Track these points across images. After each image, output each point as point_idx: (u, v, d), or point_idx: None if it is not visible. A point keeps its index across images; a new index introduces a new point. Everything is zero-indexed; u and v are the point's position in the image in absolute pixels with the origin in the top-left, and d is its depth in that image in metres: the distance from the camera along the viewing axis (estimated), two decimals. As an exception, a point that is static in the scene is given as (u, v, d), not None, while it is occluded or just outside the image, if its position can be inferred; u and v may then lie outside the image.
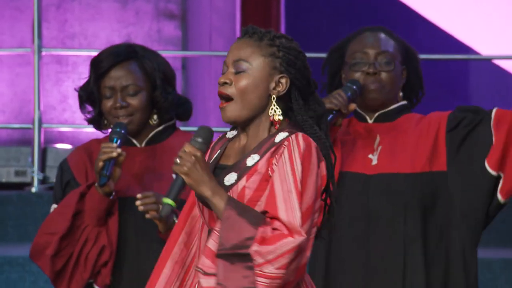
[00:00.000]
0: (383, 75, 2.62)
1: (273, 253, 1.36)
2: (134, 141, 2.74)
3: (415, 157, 2.60)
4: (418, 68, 2.75)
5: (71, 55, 6.61)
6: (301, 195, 1.41)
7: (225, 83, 1.53)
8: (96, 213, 2.55)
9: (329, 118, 2.40)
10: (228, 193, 1.51)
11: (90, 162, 2.71)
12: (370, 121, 2.73)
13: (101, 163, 2.41)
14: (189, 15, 6.89)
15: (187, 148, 1.48)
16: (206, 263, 1.46)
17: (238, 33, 7.15)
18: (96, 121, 2.69)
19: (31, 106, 5.94)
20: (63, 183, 2.86)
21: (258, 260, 1.37)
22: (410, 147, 2.62)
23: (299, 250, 1.37)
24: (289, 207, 1.40)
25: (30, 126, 5.94)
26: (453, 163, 2.61)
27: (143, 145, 2.74)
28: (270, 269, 1.36)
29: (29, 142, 5.99)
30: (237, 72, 1.53)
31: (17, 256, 5.05)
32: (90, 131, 6.02)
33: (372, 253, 2.59)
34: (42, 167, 5.84)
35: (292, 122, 1.56)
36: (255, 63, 1.52)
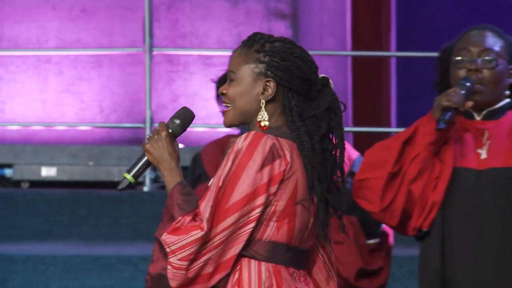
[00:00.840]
0: (485, 72, 2.64)
1: (176, 244, 1.48)
2: None
3: None
4: None
5: (182, 55, 6.76)
6: (219, 190, 1.49)
7: (222, 93, 1.68)
8: None
9: (447, 116, 2.48)
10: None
11: (223, 157, 2.72)
12: (478, 118, 2.75)
13: None
14: (300, 14, 6.99)
15: (158, 125, 1.63)
16: None
17: (348, 32, 7.29)
18: None
19: (143, 105, 6.07)
20: (194, 176, 3.08)
21: (167, 248, 1.49)
22: None
23: (202, 243, 1.46)
24: (206, 200, 1.50)
25: (142, 125, 6.05)
26: None
27: None
28: (173, 259, 1.47)
29: (141, 141, 5.97)
30: (230, 82, 1.66)
31: (129, 255, 5.19)
32: (201, 130, 6.03)
33: (486, 248, 2.60)
34: (154, 166, 5.84)
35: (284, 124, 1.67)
36: (240, 72, 1.63)
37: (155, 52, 6.11)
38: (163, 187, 5.83)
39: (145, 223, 5.45)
